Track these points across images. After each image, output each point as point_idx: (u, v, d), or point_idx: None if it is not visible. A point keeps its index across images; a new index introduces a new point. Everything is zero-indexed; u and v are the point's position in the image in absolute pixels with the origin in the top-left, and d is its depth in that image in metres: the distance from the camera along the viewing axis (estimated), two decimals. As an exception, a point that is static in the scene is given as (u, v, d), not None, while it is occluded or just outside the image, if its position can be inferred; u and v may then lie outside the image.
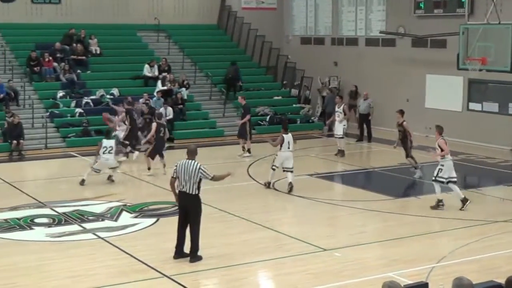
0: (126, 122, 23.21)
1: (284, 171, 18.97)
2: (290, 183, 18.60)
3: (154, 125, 21.06)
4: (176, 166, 12.94)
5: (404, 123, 20.58)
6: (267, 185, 19.14)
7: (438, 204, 16.83)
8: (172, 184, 13.08)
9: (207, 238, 13.57)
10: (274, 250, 13.70)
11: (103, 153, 19.29)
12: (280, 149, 18.91)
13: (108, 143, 19.49)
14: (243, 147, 23.77)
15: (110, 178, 19.81)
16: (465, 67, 21.02)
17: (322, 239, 14.44)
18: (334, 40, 32.77)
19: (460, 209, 16.67)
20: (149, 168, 20.67)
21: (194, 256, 12.83)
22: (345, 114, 23.89)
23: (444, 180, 16.86)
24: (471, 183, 21.61)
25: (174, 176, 12.93)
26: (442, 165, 17.07)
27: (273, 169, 19.03)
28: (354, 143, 26.83)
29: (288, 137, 18.92)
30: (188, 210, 12.86)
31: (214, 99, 30.28)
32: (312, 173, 21.05)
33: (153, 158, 20.58)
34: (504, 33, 19.69)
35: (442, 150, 16.99)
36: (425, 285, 8.85)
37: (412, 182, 20.73)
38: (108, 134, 20.17)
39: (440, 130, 17.63)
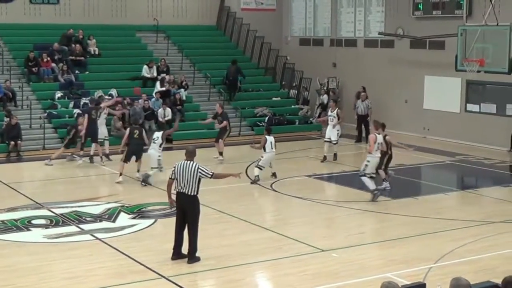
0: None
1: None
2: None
3: (127, 130, 20.96)
4: (175, 167, 12.94)
5: (387, 137, 19.04)
6: (254, 180, 19.82)
7: (374, 195, 17.54)
8: (169, 185, 13.09)
9: (205, 239, 13.57)
10: (272, 251, 13.71)
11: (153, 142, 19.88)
12: (265, 150, 19.81)
13: (156, 134, 20.03)
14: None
15: (143, 177, 19.79)
16: (463, 68, 21.04)
17: (320, 240, 14.46)
18: (333, 41, 32.79)
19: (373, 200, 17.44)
20: (120, 174, 20.03)
21: (192, 257, 12.84)
22: (338, 119, 23.23)
23: (368, 175, 17.54)
24: (469, 184, 21.69)
25: (172, 177, 12.91)
26: (368, 161, 17.70)
27: (260, 169, 19.95)
28: (353, 144, 26.84)
29: (270, 138, 19.96)
30: (186, 211, 12.84)
31: (212, 100, 30.25)
32: (311, 174, 21.06)
33: (126, 161, 20.17)
34: (502, 35, 19.72)
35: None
36: (423, 285, 8.88)
37: (409, 183, 20.75)
38: (161, 126, 21.10)
39: (377, 125, 18.22)
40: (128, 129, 20.92)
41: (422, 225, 15.56)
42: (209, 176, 12.88)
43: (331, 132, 23.22)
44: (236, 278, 12.25)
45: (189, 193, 12.71)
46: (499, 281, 7.98)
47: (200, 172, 12.69)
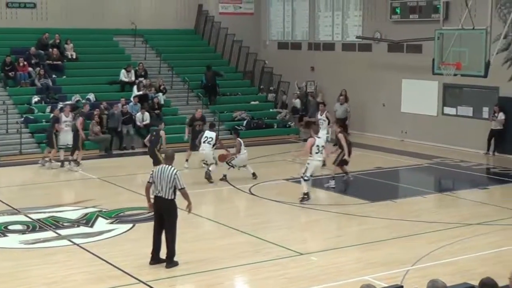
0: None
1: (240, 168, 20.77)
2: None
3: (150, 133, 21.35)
4: (153, 171, 12.95)
5: (340, 135, 20.02)
6: (224, 178, 20.48)
7: (303, 198, 17.72)
8: (147, 189, 13.07)
9: (184, 243, 13.55)
10: (251, 255, 13.71)
11: (203, 142, 20.47)
12: (239, 152, 20.48)
13: (210, 134, 20.51)
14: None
15: (206, 175, 20.35)
16: (440, 71, 21.18)
17: (299, 243, 14.49)
18: (311, 45, 32.88)
19: (300, 202, 17.69)
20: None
21: (170, 261, 12.81)
22: (329, 122, 23.12)
23: (307, 178, 17.74)
24: (446, 187, 21.82)
25: (150, 181, 12.92)
26: (308, 163, 17.90)
27: (232, 167, 20.62)
28: (332, 147, 26.81)
29: (241, 140, 20.79)
30: (164, 215, 12.83)
31: (191, 104, 30.23)
32: (289, 178, 21.07)
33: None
34: (478, 38, 19.87)
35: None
36: (401, 287, 8.93)
37: (387, 186, 20.85)
38: (212, 126, 21.36)
39: (314, 129, 18.90)
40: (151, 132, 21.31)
41: (400, 228, 15.64)
42: (180, 187, 12.76)
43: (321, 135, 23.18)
44: (215, 282, 12.24)
45: (166, 197, 12.69)
46: (476, 282, 8.02)
47: (175, 179, 12.68)
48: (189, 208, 13.05)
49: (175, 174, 12.70)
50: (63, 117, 22.77)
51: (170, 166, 12.83)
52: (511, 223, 15.28)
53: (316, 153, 17.74)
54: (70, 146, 22.64)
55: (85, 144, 23.42)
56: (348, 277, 12.31)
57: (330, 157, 20.22)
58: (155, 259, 12.91)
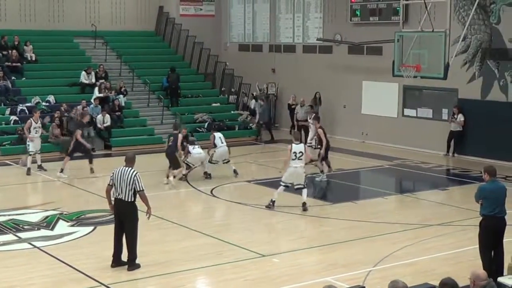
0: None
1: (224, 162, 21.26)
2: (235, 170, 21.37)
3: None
4: (113, 173, 12.88)
5: (319, 130, 20.98)
6: (207, 175, 21.02)
7: (269, 205, 17.51)
8: (107, 191, 13.01)
9: (145, 245, 13.49)
10: (213, 257, 13.69)
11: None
12: (216, 146, 21.01)
13: (299, 148, 18.63)
14: None
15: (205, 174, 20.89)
16: (400, 74, 21.31)
17: (261, 245, 14.49)
18: (272, 47, 32.97)
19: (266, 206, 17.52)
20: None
21: (131, 264, 12.74)
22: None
23: (285, 184, 17.60)
24: (407, 188, 22.01)
25: (110, 184, 12.86)
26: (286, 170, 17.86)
27: (213, 164, 21.04)
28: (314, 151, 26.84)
29: (218, 134, 21.39)
30: (124, 217, 12.77)
31: (152, 106, 30.11)
32: (250, 179, 21.10)
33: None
34: (437, 41, 20.05)
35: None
36: (362, 288, 8.99)
37: (348, 187, 20.97)
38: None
39: (296, 136, 18.42)
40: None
41: (361, 229, 15.73)
42: (139, 189, 12.65)
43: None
44: (177, 285, 12.20)
45: (126, 200, 12.64)
46: (436, 283, 8.11)
47: (135, 181, 12.60)
48: (148, 213, 12.96)
49: (135, 176, 12.63)
50: (33, 123, 22.27)
51: (130, 168, 12.76)
52: (471, 223, 15.42)
53: (293, 159, 17.39)
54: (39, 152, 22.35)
55: (43, 146, 23.21)
56: (310, 278, 12.35)
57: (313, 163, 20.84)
58: (116, 262, 12.83)
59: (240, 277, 12.51)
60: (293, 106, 29.46)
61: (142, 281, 12.40)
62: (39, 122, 22.48)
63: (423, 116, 26.61)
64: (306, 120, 27.29)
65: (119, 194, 12.70)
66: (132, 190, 12.63)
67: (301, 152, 17.37)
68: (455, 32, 21.85)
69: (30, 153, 22.07)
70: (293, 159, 17.35)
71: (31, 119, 22.53)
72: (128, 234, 12.74)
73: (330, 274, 12.46)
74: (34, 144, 22.11)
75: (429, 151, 25.81)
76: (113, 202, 12.96)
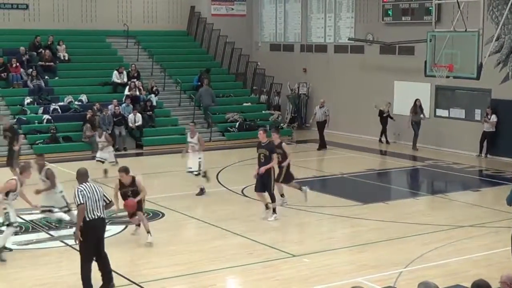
0: None
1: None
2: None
3: None
4: (82, 192, 11.30)
5: (283, 144, 18.00)
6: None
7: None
8: (82, 211, 11.24)
9: (177, 245, 13.55)
10: (243, 256, 13.70)
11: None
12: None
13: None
14: None
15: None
16: (432, 74, 21.18)
17: (291, 245, 14.49)
18: (303, 47, 32.93)
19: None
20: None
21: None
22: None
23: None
24: (438, 189, 21.83)
25: (83, 202, 11.22)
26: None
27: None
28: (315, 150, 26.75)
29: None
30: (101, 236, 11.66)
31: (183, 105, 30.22)
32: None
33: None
34: (470, 41, 19.90)
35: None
36: (393, 289, 8.94)
37: (380, 188, 20.87)
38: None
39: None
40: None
41: (392, 230, 15.65)
42: (108, 201, 11.79)
43: None
44: (208, 284, 12.22)
45: (104, 216, 11.62)
46: (468, 285, 8.04)
47: (104, 193, 11.67)
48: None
49: (101, 189, 11.64)
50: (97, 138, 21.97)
51: (92, 183, 11.70)
52: (503, 225, 15.29)
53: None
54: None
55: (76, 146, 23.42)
56: (340, 279, 12.31)
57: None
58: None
59: (271, 277, 12.50)
60: None
61: (173, 280, 12.43)
62: (103, 137, 22.14)
63: (456, 117, 26.42)
64: (325, 121, 26.92)
65: (100, 214, 11.38)
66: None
67: None
68: (489, 32, 21.63)
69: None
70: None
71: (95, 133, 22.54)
72: (103, 252, 11.67)
73: (361, 275, 12.41)
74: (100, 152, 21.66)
75: (461, 151, 25.61)
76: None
